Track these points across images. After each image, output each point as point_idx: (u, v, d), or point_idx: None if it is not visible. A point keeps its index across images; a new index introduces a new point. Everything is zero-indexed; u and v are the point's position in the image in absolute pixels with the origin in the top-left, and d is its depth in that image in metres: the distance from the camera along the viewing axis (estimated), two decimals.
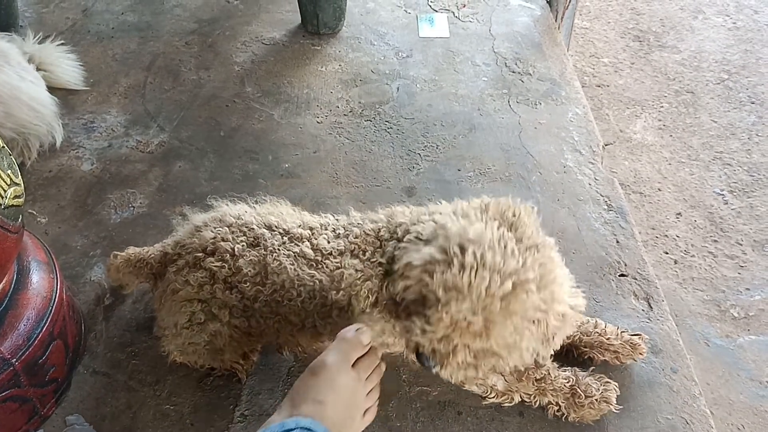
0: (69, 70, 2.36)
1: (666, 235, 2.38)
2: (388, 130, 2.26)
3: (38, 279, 1.49)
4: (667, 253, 2.33)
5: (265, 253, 1.39)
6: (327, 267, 1.36)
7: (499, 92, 2.42)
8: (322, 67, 2.52)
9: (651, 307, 1.74)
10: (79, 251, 1.86)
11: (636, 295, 1.77)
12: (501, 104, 2.37)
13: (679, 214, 2.45)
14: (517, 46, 2.63)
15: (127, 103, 2.36)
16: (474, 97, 2.40)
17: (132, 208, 1.99)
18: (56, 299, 1.49)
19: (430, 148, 2.20)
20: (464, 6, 2.83)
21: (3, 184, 1.26)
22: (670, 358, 1.63)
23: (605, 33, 3.31)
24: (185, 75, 2.49)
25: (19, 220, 1.33)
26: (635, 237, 1.93)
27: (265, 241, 1.41)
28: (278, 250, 1.40)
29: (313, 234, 1.43)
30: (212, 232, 1.44)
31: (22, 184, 1.35)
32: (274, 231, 1.44)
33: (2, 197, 1.25)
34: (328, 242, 1.40)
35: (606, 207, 2.01)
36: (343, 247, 1.38)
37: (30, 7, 2.80)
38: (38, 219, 1.96)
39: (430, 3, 2.84)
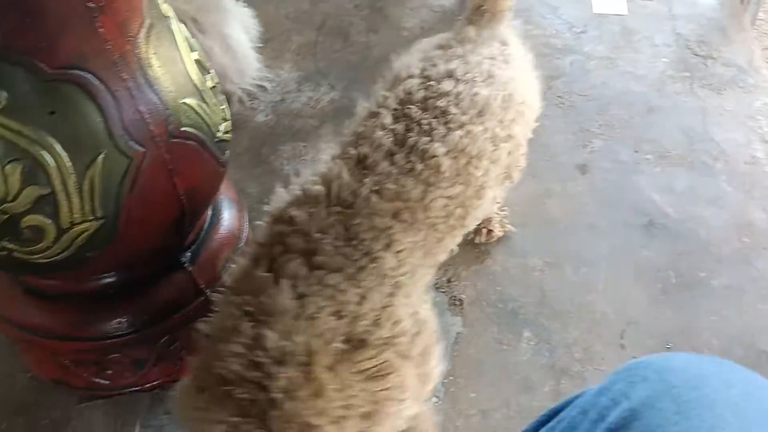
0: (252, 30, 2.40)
1: None
2: (559, 105, 2.18)
3: (229, 216, 1.54)
4: None
5: None
6: None
7: (680, 75, 2.28)
8: None
9: None
10: (255, 198, 1.91)
11: None
12: (682, 87, 2.23)
13: None
14: (700, 28, 2.46)
15: (299, 60, 2.40)
16: (653, 78, 2.27)
17: (304, 162, 2.03)
18: (244, 237, 1.53)
19: (604, 127, 2.10)
20: None
21: (219, 119, 1.30)
22: None
23: None
24: (354, 37, 2.50)
25: (226, 154, 1.37)
26: None
27: None
28: None
29: None
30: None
31: (230, 120, 1.39)
32: None
33: (219, 130, 1.29)
34: None
35: None
36: None
37: None
38: None
39: None
